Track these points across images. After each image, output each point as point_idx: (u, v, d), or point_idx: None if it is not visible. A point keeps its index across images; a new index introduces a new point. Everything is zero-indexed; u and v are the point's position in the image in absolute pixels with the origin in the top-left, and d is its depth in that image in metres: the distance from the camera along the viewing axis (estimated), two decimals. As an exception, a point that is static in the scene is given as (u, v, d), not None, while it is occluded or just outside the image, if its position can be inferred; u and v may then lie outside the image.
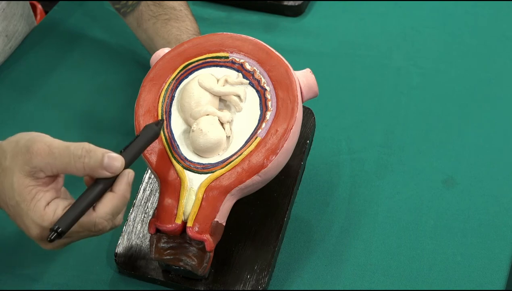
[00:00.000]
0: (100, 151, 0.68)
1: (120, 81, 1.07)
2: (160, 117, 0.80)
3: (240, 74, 0.82)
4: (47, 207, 0.68)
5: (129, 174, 0.70)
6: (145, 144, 0.73)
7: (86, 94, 1.06)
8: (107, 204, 0.69)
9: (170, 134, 0.79)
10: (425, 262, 0.84)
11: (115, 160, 0.68)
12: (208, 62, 0.83)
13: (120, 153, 0.70)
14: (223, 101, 0.82)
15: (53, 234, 0.65)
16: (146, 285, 0.82)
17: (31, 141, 0.68)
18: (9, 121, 1.02)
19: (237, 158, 0.77)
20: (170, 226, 0.75)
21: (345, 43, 1.12)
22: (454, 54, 1.10)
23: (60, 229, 0.66)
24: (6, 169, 0.69)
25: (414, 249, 0.85)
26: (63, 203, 0.68)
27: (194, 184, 0.76)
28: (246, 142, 0.78)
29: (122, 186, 0.69)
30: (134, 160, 0.72)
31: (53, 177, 0.69)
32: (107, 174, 0.68)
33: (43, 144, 0.68)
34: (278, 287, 0.82)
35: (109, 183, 0.69)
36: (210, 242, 0.75)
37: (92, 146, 0.68)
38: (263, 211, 0.85)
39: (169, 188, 0.77)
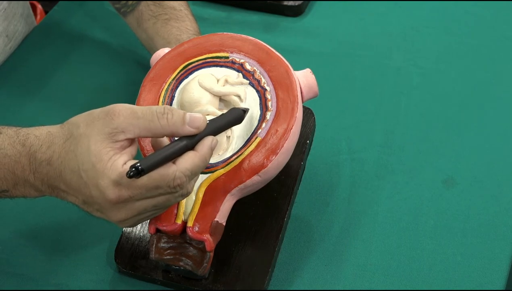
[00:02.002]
0: (180, 110, 0.69)
1: (120, 81, 1.07)
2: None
3: (240, 74, 0.82)
4: (125, 165, 0.67)
5: (213, 140, 0.70)
6: (227, 123, 0.73)
7: (86, 94, 1.06)
8: (188, 160, 0.68)
9: (170, 134, 0.79)
10: (425, 262, 0.84)
11: (197, 116, 0.69)
12: (208, 62, 0.83)
13: None
14: (223, 101, 0.82)
15: (133, 170, 0.64)
16: (146, 285, 0.82)
17: (109, 107, 0.68)
18: (10, 122, 1.02)
19: (237, 158, 0.77)
20: (170, 226, 0.75)
21: (345, 43, 1.12)
22: (454, 54, 1.10)
23: (140, 167, 0.64)
24: (80, 136, 0.68)
25: (414, 249, 0.85)
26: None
27: (194, 184, 0.77)
28: (246, 142, 0.78)
29: (205, 148, 0.69)
30: (215, 133, 0.71)
31: (130, 141, 0.68)
32: (190, 130, 0.68)
33: (124, 106, 0.68)
34: (278, 287, 0.82)
35: (191, 142, 0.69)
36: (210, 242, 0.75)
37: (172, 107, 0.69)
38: (263, 211, 0.85)
39: (169, 188, 0.77)
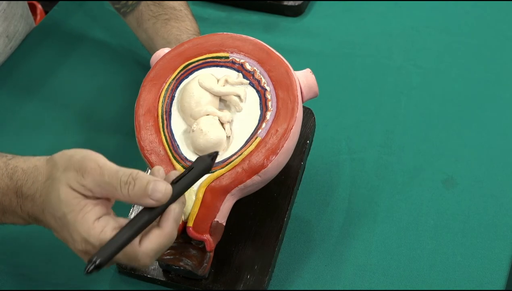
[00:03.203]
0: (146, 178, 0.66)
1: (120, 81, 1.07)
2: (160, 118, 0.80)
3: (240, 74, 0.82)
4: (96, 221, 0.65)
5: (175, 209, 0.67)
6: (196, 177, 0.70)
7: (86, 94, 1.06)
8: (153, 240, 0.66)
9: (170, 134, 0.79)
10: (425, 262, 0.84)
11: (160, 187, 0.66)
12: (208, 62, 0.83)
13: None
14: (223, 101, 0.82)
15: (91, 266, 0.62)
16: (146, 285, 0.82)
17: (85, 159, 0.66)
18: (10, 122, 1.02)
19: (237, 158, 0.77)
20: (170, 226, 0.75)
21: (345, 43, 1.12)
22: (454, 54, 1.10)
23: (98, 261, 0.63)
24: (55, 180, 0.67)
25: (414, 249, 0.85)
26: (113, 222, 0.66)
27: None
28: (246, 142, 0.78)
29: (169, 223, 0.67)
30: (182, 193, 0.69)
31: (102, 199, 0.67)
32: (151, 203, 0.66)
33: (96, 164, 0.66)
34: (278, 287, 0.82)
35: (154, 214, 0.67)
36: (210, 242, 0.75)
37: (140, 173, 0.66)
38: (263, 211, 0.85)
39: (169, 188, 0.77)
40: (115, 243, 0.64)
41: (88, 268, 0.62)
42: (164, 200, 0.66)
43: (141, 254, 0.66)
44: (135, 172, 0.66)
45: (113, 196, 0.66)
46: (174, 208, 0.67)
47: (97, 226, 0.65)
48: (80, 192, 0.66)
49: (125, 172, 0.66)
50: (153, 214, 0.67)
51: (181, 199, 0.68)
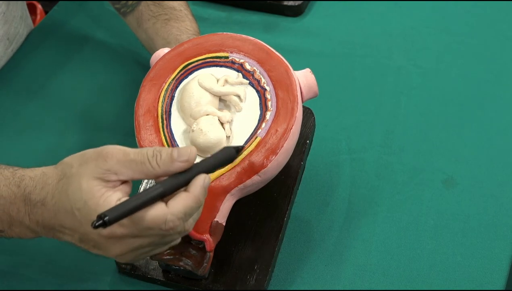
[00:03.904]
0: (169, 148, 0.68)
1: (120, 81, 1.07)
2: (160, 118, 0.80)
3: (240, 74, 0.82)
4: (119, 201, 0.66)
5: (206, 178, 0.68)
6: (219, 163, 0.71)
7: (86, 95, 1.06)
8: (180, 201, 0.66)
9: (170, 134, 0.79)
10: (425, 262, 0.84)
11: (184, 150, 0.67)
12: (208, 62, 0.83)
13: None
14: (223, 101, 0.82)
15: (99, 221, 0.62)
16: (146, 285, 0.82)
17: (101, 148, 0.67)
18: (11, 122, 1.02)
19: (237, 158, 0.77)
20: (170, 226, 0.75)
21: (345, 43, 1.12)
22: (454, 54, 1.10)
23: (107, 218, 0.62)
24: (73, 175, 0.67)
25: (414, 249, 0.85)
26: None
27: (194, 184, 0.76)
28: (246, 142, 0.78)
29: (197, 188, 0.67)
30: (205, 172, 0.69)
31: (124, 182, 0.68)
32: (180, 165, 0.67)
33: (116, 148, 0.67)
34: (278, 287, 0.82)
35: (177, 181, 0.67)
36: (210, 242, 0.75)
37: (160, 147, 0.69)
38: (263, 211, 0.85)
39: (169, 188, 0.77)
40: (128, 203, 0.64)
41: (95, 223, 0.62)
42: (192, 159, 0.67)
43: (170, 216, 0.65)
44: (156, 147, 0.69)
45: (141, 172, 0.67)
46: (204, 176, 0.68)
47: None
48: (104, 178, 0.66)
49: (148, 148, 0.67)
50: (176, 181, 0.67)
51: (207, 176, 0.69)
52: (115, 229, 0.65)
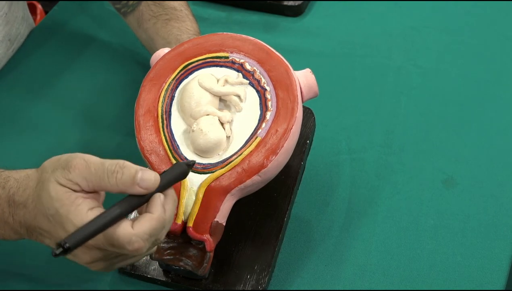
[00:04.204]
0: (134, 167, 0.66)
1: (120, 81, 1.07)
2: (160, 118, 0.80)
3: (240, 74, 0.82)
4: (89, 211, 0.66)
5: (161, 196, 0.68)
6: (171, 180, 0.70)
7: (86, 95, 1.06)
8: (144, 224, 0.66)
9: (170, 134, 0.79)
10: (425, 262, 0.84)
11: (149, 175, 0.66)
12: (208, 62, 0.83)
13: None
14: (223, 101, 0.82)
15: (59, 249, 0.62)
16: (146, 285, 0.82)
17: (71, 157, 0.67)
18: (11, 122, 1.02)
19: (237, 158, 0.77)
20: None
21: (345, 43, 1.12)
22: (454, 54, 1.10)
23: (66, 245, 0.62)
24: (45, 181, 0.68)
25: (414, 249, 0.85)
26: None
27: (194, 184, 0.76)
28: (246, 142, 0.78)
29: (158, 208, 0.67)
30: (162, 190, 0.69)
31: (91, 192, 0.68)
32: (140, 190, 0.66)
33: (82, 159, 0.67)
34: (278, 287, 0.82)
35: (137, 202, 0.67)
36: (210, 242, 0.75)
37: (127, 162, 0.67)
38: (263, 211, 0.85)
39: (169, 188, 0.77)
40: (88, 227, 0.64)
41: (55, 251, 0.62)
42: (153, 188, 0.66)
43: (135, 237, 0.65)
44: (121, 161, 0.66)
45: (100, 187, 0.67)
46: (159, 195, 0.68)
47: (91, 216, 0.65)
48: (68, 186, 0.66)
49: (111, 162, 0.66)
50: (136, 202, 0.67)
51: (172, 192, 0.69)
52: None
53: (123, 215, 0.66)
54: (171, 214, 0.69)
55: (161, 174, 0.69)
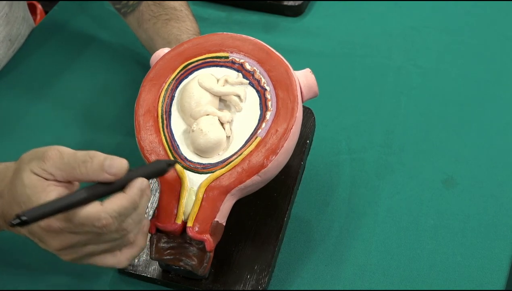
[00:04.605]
0: (103, 155, 0.68)
1: (120, 81, 1.07)
2: (160, 118, 0.80)
3: (240, 74, 0.82)
4: None
5: (143, 181, 0.69)
6: (149, 174, 0.71)
7: (86, 94, 1.06)
8: (115, 201, 0.67)
9: (170, 134, 0.79)
10: (425, 262, 0.84)
11: (116, 162, 0.68)
12: (208, 62, 0.83)
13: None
14: (223, 101, 0.82)
15: (16, 220, 0.63)
16: (146, 285, 0.82)
17: (47, 148, 0.69)
18: (11, 122, 1.02)
19: (237, 158, 0.77)
20: (170, 226, 0.75)
21: (345, 43, 1.12)
22: (454, 54, 1.10)
23: (24, 217, 0.63)
24: (20, 170, 0.69)
25: (414, 249, 0.85)
26: None
27: (194, 184, 0.77)
28: (246, 142, 0.78)
29: (133, 189, 0.68)
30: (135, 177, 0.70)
31: (65, 183, 0.69)
32: (108, 177, 0.67)
33: (56, 150, 0.68)
34: (278, 287, 0.82)
35: (105, 189, 0.68)
36: (210, 242, 0.75)
37: (97, 152, 0.68)
38: (263, 211, 0.85)
39: (169, 188, 0.77)
40: (49, 206, 0.65)
41: (11, 221, 0.63)
42: (120, 174, 0.68)
43: (103, 214, 0.66)
44: (92, 152, 0.68)
45: (73, 177, 0.68)
46: (142, 179, 0.69)
47: None
48: (43, 176, 0.68)
49: (82, 153, 0.68)
50: (101, 189, 0.67)
51: (146, 187, 0.70)
52: (52, 222, 0.67)
53: (90, 199, 0.67)
54: (145, 203, 0.70)
55: (138, 167, 0.70)
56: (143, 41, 1.02)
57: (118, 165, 0.68)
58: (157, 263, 0.81)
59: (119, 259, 0.72)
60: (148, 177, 0.71)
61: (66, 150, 0.69)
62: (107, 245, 0.70)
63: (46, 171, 0.68)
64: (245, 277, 0.80)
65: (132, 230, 0.70)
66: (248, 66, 0.82)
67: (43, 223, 0.67)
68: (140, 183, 0.69)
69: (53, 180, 0.68)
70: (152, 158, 0.78)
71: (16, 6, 1.09)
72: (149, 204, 0.86)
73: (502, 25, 1.15)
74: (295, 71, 0.82)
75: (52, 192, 0.67)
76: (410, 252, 0.85)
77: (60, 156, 0.68)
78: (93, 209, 0.66)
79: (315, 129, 0.91)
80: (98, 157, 0.68)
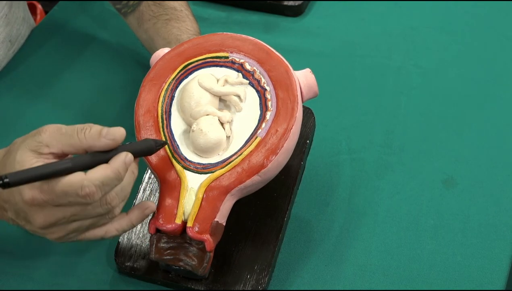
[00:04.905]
0: (100, 126, 0.70)
1: (120, 81, 1.07)
2: (160, 118, 0.80)
3: (240, 74, 0.82)
4: None
5: (127, 155, 0.70)
6: (138, 152, 0.72)
7: (86, 95, 1.06)
8: (98, 170, 0.68)
9: (170, 135, 0.79)
10: (425, 262, 0.84)
11: (114, 129, 0.69)
12: (208, 62, 0.83)
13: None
14: (223, 101, 0.82)
15: None
16: (146, 285, 0.82)
17: (43, 126, 0.70)
18: (12, 122, 1.02)
19: (237, 158, 0.77)
20: (170, 226, 0.75)
21: (345, 43, 1.12)
22: (454, 54, 1.10)
23: (6, 179, 0.63)
24: (13, 150, 0.70)
25: (414, 249, 0.85)
26: None
27: (194, 184, 0.77)
28: (246, 142, 0.78)
29: (117, 161, 0.69)
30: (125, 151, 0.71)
31: (56, 156, 0.70)
32: (106, 142, 0.68)
33: (53, 125, 0.70)
34: (278, 287, 0.82)
35: (93, 159, 0.68)
36: (210, 242, 0.75)
37: (94, 124, 0.70)
38: (263, 211, 0.85)
39: (169, 188, 0.77)
40: (32, 171, 0.65)
41: None
42: (119, 139, 0.69)
43: (86, 181, 0.67)
44: (90, 123, 0.70)
45: (70, 145, 0.69)
46: (125, 153, 0.70)
47: None
48: (37, 150, 0.69)
49: (81, 124, 0.70)
50: (89, 158, 0.68)
51: (131, 162, 0.70)
52: (36, 194, 0.67)
53: (74, 169, 0.67)
54: (130, 179, 0.71)
55: (126, 143, 0.71)
56: (143, 41, 1.02)
57: (116, 130, 0.69)
58: (157, 263, 0.81)
59: (107, 228, 0.73)
60: (135, 154, 0.71)
61: (62, 125, 0.70)
62: (92, 220, 0.71)
63: (41, 142, 0.69)
64: (245, 277, 0.80)
65: (116, 204, 0.71)
66: (248, 66, 0.82)
67: (27, 196, 0.67)
68: (124, 155, 0.69)
69: (47, 154, 0.69)
70: (152, 158, 0.78)
71: (16, 7, 1.09)
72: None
73: (502, 25, 1.15)
74: (295, 71, 0.82)
75: (39, 163, 0.68)
76: (410, 252, 0.85)
77: (57, 128, 0.69)
78: (76, 177, 0.67)
79: (315, 129, 0.91)
80: (96, 126, 0.69)
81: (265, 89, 0.81)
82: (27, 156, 0.68)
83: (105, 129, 0.69)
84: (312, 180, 0.92)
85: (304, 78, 0.82)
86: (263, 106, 0.80)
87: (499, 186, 0.91)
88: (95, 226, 0.72)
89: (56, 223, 0.70)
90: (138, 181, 0.87)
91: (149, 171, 0.89)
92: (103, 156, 0.69)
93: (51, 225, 0.70)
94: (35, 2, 1.62)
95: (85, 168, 0.68)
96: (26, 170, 0.66)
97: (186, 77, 0.83)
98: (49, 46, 1.14)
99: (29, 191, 0.67)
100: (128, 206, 0.82)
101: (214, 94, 0.81)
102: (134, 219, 0.74)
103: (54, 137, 0.69)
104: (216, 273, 0.80)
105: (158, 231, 0.77)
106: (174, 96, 0.82)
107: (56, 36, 1.15)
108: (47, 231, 0.71)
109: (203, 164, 0.78)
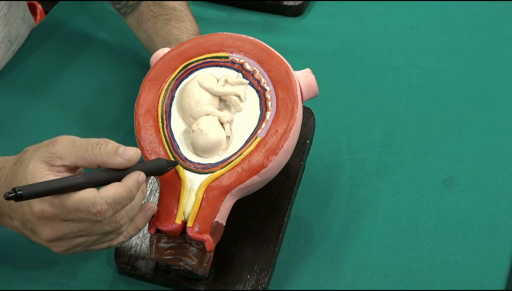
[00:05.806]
0: (116, 143, 0.69)
1: (120, 81, 1.07)
2: (160, 118, 0.80)
3: (240, 74, 0.82)
4: None
5: (140, 174, 0.70)
6: (149, 171, 0.72)
7: (86, 95, 1.06)
8: (111, 188, 0.68)
9: (170, 135, 0.79)
10: (425, 262, 0.84)
11: (130, 149, 0.69)
12: (208, 62, 0.83)
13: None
14: (223, 101, 0.82)
15: (11, 193, 0.63)
16: (146, 285, 0.82)
17: (56, 137, 0.70)
18: (12, 123, 1.02)
19: (237, 158, 0.77)
20: (170, 226, 0.75)
21: (345, 43, 1.12)
22: (454, 54, 1.11)
23: (20, 191, 0.63)
24: (25, 159, 0.69)
25: (414, 249, 0.85)
26: None
27: (194, 184, 0.77)
28: (246, 142, 0.78)
29: (130, 180, 0.69)
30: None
31: (69, 169, 0.69)
32: (121, 161, 0.68)
33: (67, 136, 0.70)
34: (278, 287, 0.82)
35: (107, 176, 0.68)
36: (210, 242, 0.75)
37: (111, 140, 0.70)
38: (263, 211, 0.85)
39: (169, 188, 0.77)
40: (46, 185, 0.65)
41: (7, 194, 0.63)
42: (134, 159, 0.69)
43: (99, 199, 0.66)
44: (106, 139, 0.70)
45: (83, 159, 0.68)
46: (138, 172, 0.70)
47: None
48: (49, 162, 0.68)
49: (97, 138, 0.69)
50: (111, 175, 0.68)
51: (143, 182, 0.70)
52: (46, 207, 0.67)
53: (87, 185, 0.67)
54: (139, 199, 0.71)
55: (139, 162, 0.71)
56: (143, 41, 1.02)
57: (132, 151, 0.69)
58: (157, 263, 0.81)
59: (111, 243, 0.73)
60: (147, 173, 0.71)
61: (77, 137, 0.70)
62: (98, 236, 0.71)
63: (55, 154, 0.68)
64: (245, 277, 0.80)
65: (125, 223, 0.71)
66: (248, 66, 0.82)
67: (37, 208, 0.67)
68: (137, 174, 0.69)
69: (60, 166, 0.68)
70: (152, 158, 0.78)
71: (15, 7, 1.09)
72: (149, 204, 0.86)
73: (502, 25, 1.15)
74: (295, 71, 0.82)
75: (50, 175, 0.67)
76: (410, 252, 0.85)
77: (71, 140, 0.69)
78: (89, 194, 0.67)
79: (315, 129, 0.91)
80: (112, 142, 0.69)
81: (265, 89, 0.81)
82: (39, 167, 0.68)
83: (122, 148, 0.69)
84: (312, 180, 0.92)
85: (304, 78, 0.82)
86: (263, 106, 0.80)
87: (499, 186, 0.92)
88: (100, 242, 0.72)
89: (63, 237, 0.69)
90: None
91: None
92: (116, 173, 0.69)
93: (58, 239, 0.69)
94: (35, 2, 1.62)
95: (98, 185, 0.68)
96: (40, 183, 0.65)
97: (186, 77, 0.83)
98: (49, 46, 1.14)
99: (39, 204, 0.67)
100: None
101: (214, 94, 0.81)
102: (139, 223, 0.74)
103: (68, 149, 0.68)
104: (216, 273, 0.80)
105: (158, 231, 0.77)
106: (174, 96, 0.82)
107: (55, 36, 1.15)
108: (52, 244, 0.70)
109: (203, 164, 0.78)
